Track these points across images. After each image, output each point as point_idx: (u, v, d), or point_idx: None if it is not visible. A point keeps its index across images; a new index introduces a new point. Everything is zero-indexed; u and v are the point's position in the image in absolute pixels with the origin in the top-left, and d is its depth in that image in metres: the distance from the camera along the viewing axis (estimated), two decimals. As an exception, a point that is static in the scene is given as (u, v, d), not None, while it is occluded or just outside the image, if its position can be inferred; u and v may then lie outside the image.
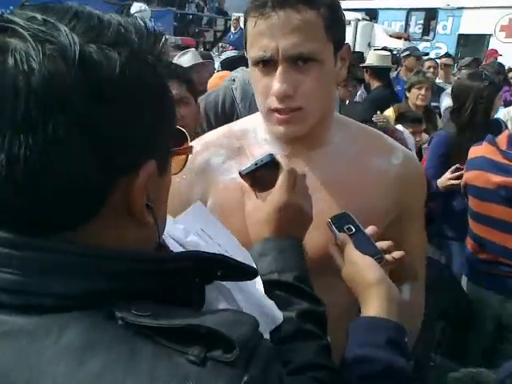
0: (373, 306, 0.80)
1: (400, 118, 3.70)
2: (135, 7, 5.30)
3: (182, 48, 5.40)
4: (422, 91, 3.73)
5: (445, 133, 2.76)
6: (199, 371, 0.45)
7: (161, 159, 0.54)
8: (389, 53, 5.01)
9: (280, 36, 0.90)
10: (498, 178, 1.90)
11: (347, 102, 4.17)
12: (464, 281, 2.26)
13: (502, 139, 1.96)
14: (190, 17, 16.38)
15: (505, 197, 1.90)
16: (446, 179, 2.51)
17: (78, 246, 0.49)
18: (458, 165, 2.47)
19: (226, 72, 3.41)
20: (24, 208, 0.47)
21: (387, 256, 0.89)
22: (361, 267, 0.85)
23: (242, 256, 0.74)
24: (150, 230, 0.56)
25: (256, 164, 0.86)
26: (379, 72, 4.57)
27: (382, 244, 0.90)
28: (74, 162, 0.46)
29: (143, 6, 5.51)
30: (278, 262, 0.79)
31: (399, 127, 3.37)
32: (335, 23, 0.95)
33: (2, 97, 0.44)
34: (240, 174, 0.87)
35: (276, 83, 0.92)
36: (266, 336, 0.67)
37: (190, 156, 0.65)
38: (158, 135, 0.53)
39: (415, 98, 3.80)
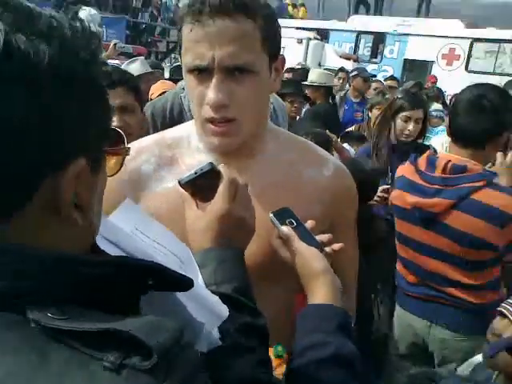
0: (320, 294, 0.82)
1: (345, 136, 3.81)
2: (84, 12, 5.19)
3: (133, 56, 5.33)
4: None
5: (364, 149, 2.96)
6: (114, 378, 0.43)
7: (93, 158, 0.53)
8: (331, 72, 5.25)
9: (217, 45, 0.89)
10: (413, 199, 1.88)
11: (297, 118, 4.25)
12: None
13: (421, 160, 1.96)
14: (143, 26, 16.24)
15: (419, 218, 1.87)
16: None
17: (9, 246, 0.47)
18: (385, 186, 2.57)
19: (169, 82, 3.42)
20: None
21: (327, 249, 0.91)
22: (307, 257, 0.87)
23: (181, 251, 0.72)
24: (79, 230, 0.53)
25: (196, 173, 0.84)
26: (321, 89, 4.75)
27: (321, 237, 0.93)
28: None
29: (92, 10, 5.40)
30: (218, 273, 0.77)
31: (345, 145, 3.48)
32: (271, 35, 0.95)
33: None
34: (179, 182, 0.85)
35: (211, 92, 0.91)
36: (214, 332, 0.66)
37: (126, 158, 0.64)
38: (87, 132, 0.51)
39: (374, 118, 3.95)
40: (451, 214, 1.79)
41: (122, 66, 3.78)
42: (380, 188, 2.56)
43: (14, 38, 0.44)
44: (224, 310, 0.67)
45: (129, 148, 0.65)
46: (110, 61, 4.41)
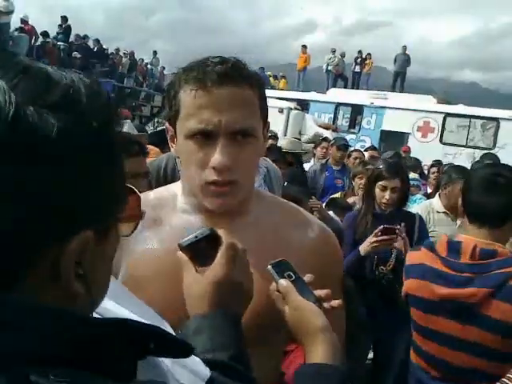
0: (319, 352, 0.80)
1: (331, 204, 3.87)
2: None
3: (118, 119, 5.41)
4: (363, 181, 3.95)
5: (348, 216, 2.98)
6: None
7: (101, 227, 0.52)
8: (299, 140, 5.60)
9: (223, 111, 0.92)
10: (442, 290, 1.71)
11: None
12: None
13: (441, 245, 1.81)
14: (129, 90, 16.62)
15: (451, 310, 1.70)
16: (368, 243, 2.55)
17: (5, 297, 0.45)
18: (383, 226, 2.54)
19: (155, 149, 3.52)
20: None
21: (325, 304, 0.90)
22: (306, 313, 0.86)
23: (159, 323, 0.69)
24: (80, 301, 0.51)
25: (196, 237, 0.84)
26: (289, 155, 5.01)
27: (319, 292, 0.92)
28: None
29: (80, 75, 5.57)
30: (214, 340, 0.75)
31: (330, 213, 3.50)
32: (264, 102, 1.02)
33: None
34: (179, 246, 0.85)
35: (217, 156, 0.93)
36: None
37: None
38: (95, 204, 0.50)
39: (358, 186, 4.04)
40: (489, 303, 1.63)
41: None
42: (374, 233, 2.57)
43: (24, 110, 0.44)
44: (205, 371, 0.66)
45: (144, 212, 0.65)
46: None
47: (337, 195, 4.19)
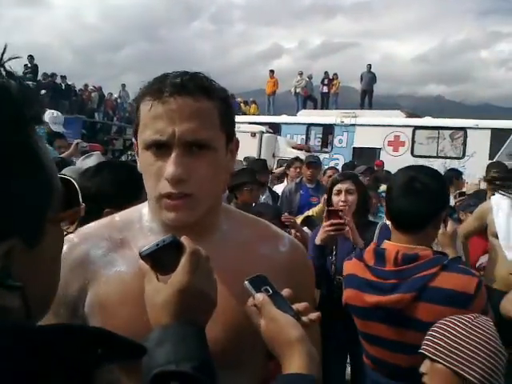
0: (296, 363, 0.79)
1: (306, 222, 3.87)
2: (48, 113, 5.33)
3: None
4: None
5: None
6: None
7: (29, 232, 0.49)
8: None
9: (177, 120, 0.90)
10: (371, 298, 1.77)
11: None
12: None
13: (368, 253, 1.86)
14: (99, 125, 16.56)
15: (383, 316, 1.77)
16: (322, 230, 2.53)
17: None
18: (326, 208, 2.57)
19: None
20: None
21: (303, 318, 0.88)
22: (282, 324, 0.84)
23: None
24: (17, 313, 0.49)
25: (157, 245, 0.81)
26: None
27: (298, 306, 0.90)
28: None
29: (55, 112, 5.55)
30: (177, 350, 0.73)
31: (305, 229, 3.51)
32: (228, 116, 0.99)
33: None
34: (140, 254, 0.82)
35: (170, 167, 0.90)
36: None
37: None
38: (14, 211, 0.47)
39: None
40: (416, 306, 1.71)
41: (78, 162, 3.79)
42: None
43: None
44: None
45: (81, 208, 0.62)
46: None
47: (310, 212, 4.17)
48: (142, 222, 1.05)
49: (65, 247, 0.99)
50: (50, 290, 0.56)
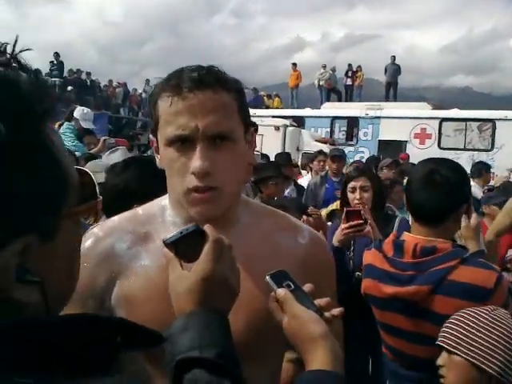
0: (319, 360, 0.78)
1: (331, 216, 3.83)
2: (78, 110, 5.46)
3: (115, 149, 5.47)
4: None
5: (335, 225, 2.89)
6: None
7: (46, 229, 0.49)
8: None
9: (199, 115, 0.91)
10: (389, 289, 1.77)
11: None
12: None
13: (387, 245, 1.86)
14: (124, 120, 16.74)
15: (400, 307, 1.77)
16: (339, 232, 2.47)
17: None
18: (346, 209, 2.49)
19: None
20: None
21: (326, 314, 0.87)
22: (305, 320, 0.83)
23: None
24: (34, 307, 0.50)
25: (181, 233, 0.83)
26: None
27: (320, 301, 0.89)
28: None
29: (85, 109, 5.69)
30: (201, 337, 0.74)
31: (329, 224, 3.48)
32: (245, 107, 1.00)
33: None
34: (164, 242, 0.83)
35: (197, 161, 0.91)
36: None
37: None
38: (27, 209, 0.47)
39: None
40: (433, 299, 1.70)
41: (104, 157, 3.84)
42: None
43: None
44: None
45: (100, 198, 0.62)
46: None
47: (334, 206, 4.13)
48: (164, 216, 1.05)
49: (89, 241, 1.01)
50: (68, 284, 0.57)
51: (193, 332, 0.75)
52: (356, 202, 2.82)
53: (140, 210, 1.10)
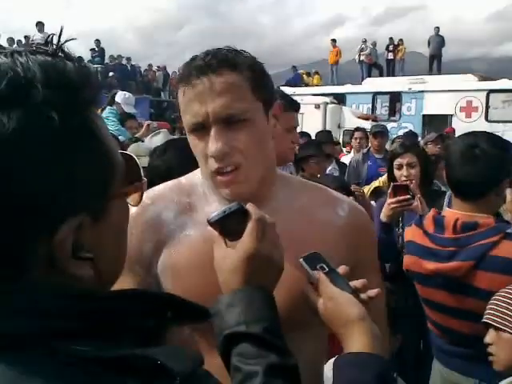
0: (357, 342, 0.78)
1: (374, 193, 3.78)
2: (120, 95, 5.55)
3: (158, 132, 5.54)
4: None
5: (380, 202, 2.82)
6: None
7: (95, 209, 0.52)
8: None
9: (207, 100, 0.93)
10: (430, 265, 1.77)
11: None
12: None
13: (428, 220, 1.85)
14: (165, 104, 16.93)
15: (442, 283, 1.77)
16: (386, 207, 2.41)
17: (15, 286, 0.48)
18: (392, 184, 2.43)
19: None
20: None
21: (362, 295, 0.87)
22: (341, 303, 0.83)
23: None
24: (88, 282, 0.53)
25: (225, 212, 0.84)
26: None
27: (355, 283, 0.88)
28: None
29: (127, 93, 5.77)
30: (247, 313, 0.76)
31: (373, 203, 3.42)
32: (261, 83, 0.98)
33: None
34: (208, 221, 0.85)
35: (211, 144, 0.94)
36: None
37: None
38: (81, 190, 0.50)
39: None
40: (475, 274, 1.68)
41: (146, 140, 3.90)
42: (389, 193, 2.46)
43: None
44: None
45: (144, 182, 0.65)
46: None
47: (377, 183, 4.05)
48: (204, 189, 1.08)
49: (137, 208, 1.04)
50: (117, 261, 0.59)
51: (239, 308, 0.77)
52: (403, 178, 2.75)
53: (183, 179, 1.13)
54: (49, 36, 0.53)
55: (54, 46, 0.53)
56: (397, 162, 2.84)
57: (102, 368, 0.45)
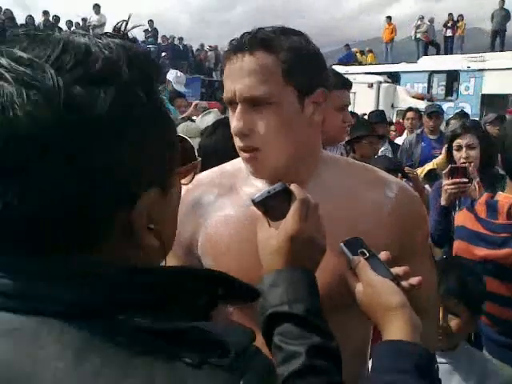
0: (396, 330, 0.77)
1: (428, 176, 3.67)
2: (172, 73, 5.58)
3: (209, 112, 5.58)
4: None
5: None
6: (196, 374, 0.46)
7: (163, 182, 0.55)
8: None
9: (236, 79, 0.94)
10: (480, 251, 1.70)
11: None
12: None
13: (480, 205, 1.78)
14: (217, 83, 17.03)
15: (492, 270, 1.69)
16: (444, 190, 2.33)
17: (82, 259, 0.50)
18: (450, 166, 2.35)
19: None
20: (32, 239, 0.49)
21: (403, 283, 0.84)
22: (381, 290, 0.81)
23: None
24: (154, 251, 0.56)
25: (269, 192, 0.84)
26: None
27: (397, 270, 0.86)
28: (68, 204, 0.47)
29: (179, 72, 5.80)
30: (290, 293, 0.77)
31: (426, 187, 3.32)
32: (299, 67, 0.95)
33: None
34: (252, 201, 0.85)
35: (233, 122, 0.96)
36: None
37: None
38: (156, 165, 0.53)
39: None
40: None
41: (197, 120, 3.95)
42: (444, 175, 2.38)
43: (72, 92, 0.46)
44: None
45: (199, 161, 0.67)
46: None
47: (431, 165, 3.92)
48: (247, 170, 1.07)
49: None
50: (172, 237, 0.62)
51: (282, 288, 0.77)
52: (462, 160, 2.64)
53: (228, 164, 1.15)
54: (118, 23, 0.57)
55: (122, 33, 0.56)
56: (456, 142, 2.72)
57: (158, 339, 0.47)
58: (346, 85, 2.23)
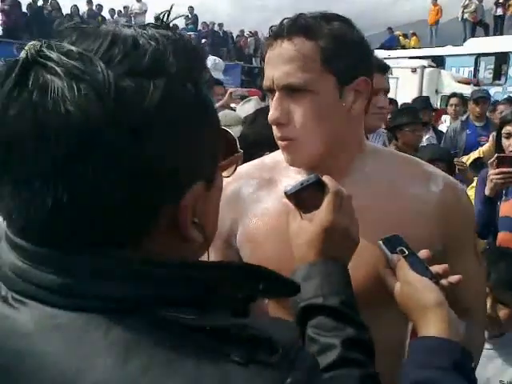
0: (434, 328, 0.76)
1: (473, 166, 3.56)
2: (210, 60, 5.53)
3: (248, 99, 5.56)
4: None
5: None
6: (243, 372, 0.46)
7: (208, 177, 0.55)
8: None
9: (275, 66, 0.93)
10: None
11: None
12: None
13: None
14: (257, 70, 16.98)
15: None
16: (489, 180, 2.21)
17: (127, 253, 0.50)
18: (496, 155, 2.24)
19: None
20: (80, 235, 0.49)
21: (443, 281, 0.83)
22: (419, 288, 0.81)
23: None
24: (198, 244, 0.56)
25: (302, 184, 0.84)
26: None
27: (436, 268, 0.85)
28: (118, 199, 0.47)
29: (217, 59, 5.76)
30: (324, 285, 0.77)
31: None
32: (339, 55, 0.92)
33: (42, 138, 0.45)
34: (285, 193, 0.85)
35: (271, 110, 0.95)
36: None
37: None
38: (203, 158, 0.53)
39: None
40: None
41: (238, 107, 3.95)
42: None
43: (122, 84, 0.46)
44: None
45: (241, 153, 0.66)
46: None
47: (477, 153, 3.79)
48: (286, 162, 1.07)
49: None
50: (214, 228, 0.62)
51: (316, 280, 0.77)
52: (511, 149, 2.52)
53: (268, 157, 1.15)
54: (161, 14, 0.56)
55: (164, 23, 0.56)
56: (505, 130, 2.55)
57: (204, 336, 0.47)
58: (382, 68, 2.16)
